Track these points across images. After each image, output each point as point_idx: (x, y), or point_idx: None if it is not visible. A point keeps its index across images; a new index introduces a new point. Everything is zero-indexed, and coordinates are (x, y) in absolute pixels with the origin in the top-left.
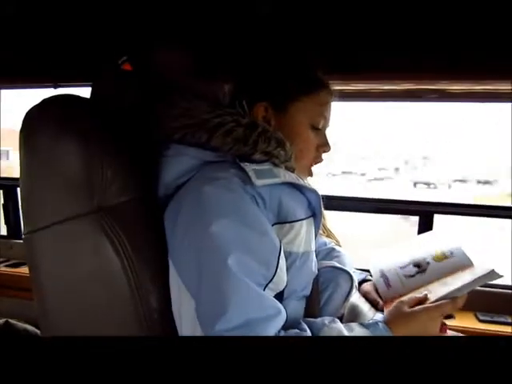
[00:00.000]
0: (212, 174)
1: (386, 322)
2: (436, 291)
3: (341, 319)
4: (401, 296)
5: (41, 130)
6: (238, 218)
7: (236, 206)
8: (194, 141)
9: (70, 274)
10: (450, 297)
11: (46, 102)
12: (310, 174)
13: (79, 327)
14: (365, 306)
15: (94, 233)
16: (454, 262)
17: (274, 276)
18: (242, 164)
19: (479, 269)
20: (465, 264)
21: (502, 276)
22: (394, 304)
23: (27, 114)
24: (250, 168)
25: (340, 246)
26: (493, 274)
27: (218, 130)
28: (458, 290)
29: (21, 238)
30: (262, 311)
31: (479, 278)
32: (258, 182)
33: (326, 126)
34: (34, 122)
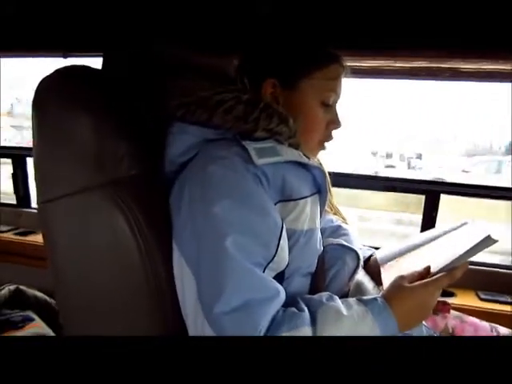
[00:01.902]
0: (214, 153)
1: (385, 297)
2: (433, 262)
3: (346, 296)
4: (397, 259)
5: (53, 101)
6: (240, 198)
7: (238, 187)
8: (194, 119)
9: (83, 245)
10: (448, 268)
11: (58, 73)
12: (323, 148)
13: (92, 295)
14: (369, 285)
15: (106, 204)
16: (449, 225)
17: (274, 256)
18: (243, 142)
19: (475, 236)
20: (459, 224)
21: (497, 241)
22: (394, 279)
23: (40, 84)
24: (251, 147)
25: (347, 223)
26: (489, 240)
27: (218, 108)
28: (456, 260)
29: (29, 207)
30: (260, 293)
31: (476, 245)
32: (259, 162)
33: (336, 101)
34: (47, 93)
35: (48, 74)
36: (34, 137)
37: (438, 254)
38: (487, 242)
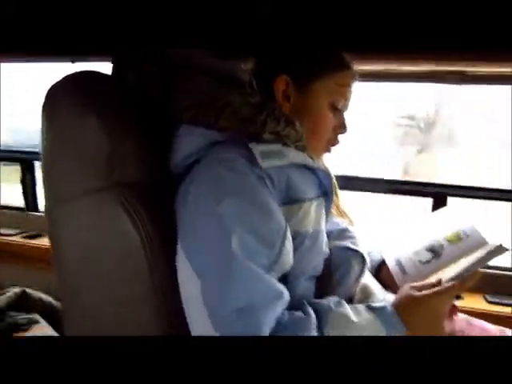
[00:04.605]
0: (221, 155)
1: (394, 305)
2: (447, 274)
3: (352, 299)
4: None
5: (63, 106)
6: (245, 200)
7: (243, 188)
8: (202, 121)
9: (90, 247)
10: (460, 277)
11: (68, 78)
12: (328, 151)
13: (97, 298)
14: (376, 287)
15: (114, 207)
16: (469, 244)
17: (278, 257)
18: (249, 144)
19: (487, 245)
20: (480, 244)
21: (508, 249)
22: (403, 288)
23: (50, 89)
24: (257, 149)
25: (353, 225)
26: (500, 249)
27: (226, 110)
28: (466, 269)
29: (37, 211)
30: (265, 294)
31: (487, 254)
32: (265, 164)
33: (344, 107)
34: (57, 98)
35: (58, 79)
36: (43, 141)
37: (453, 267)
38: (499, 250)
